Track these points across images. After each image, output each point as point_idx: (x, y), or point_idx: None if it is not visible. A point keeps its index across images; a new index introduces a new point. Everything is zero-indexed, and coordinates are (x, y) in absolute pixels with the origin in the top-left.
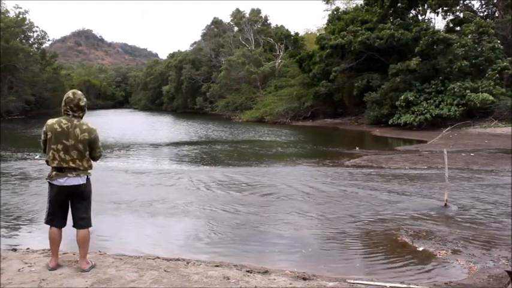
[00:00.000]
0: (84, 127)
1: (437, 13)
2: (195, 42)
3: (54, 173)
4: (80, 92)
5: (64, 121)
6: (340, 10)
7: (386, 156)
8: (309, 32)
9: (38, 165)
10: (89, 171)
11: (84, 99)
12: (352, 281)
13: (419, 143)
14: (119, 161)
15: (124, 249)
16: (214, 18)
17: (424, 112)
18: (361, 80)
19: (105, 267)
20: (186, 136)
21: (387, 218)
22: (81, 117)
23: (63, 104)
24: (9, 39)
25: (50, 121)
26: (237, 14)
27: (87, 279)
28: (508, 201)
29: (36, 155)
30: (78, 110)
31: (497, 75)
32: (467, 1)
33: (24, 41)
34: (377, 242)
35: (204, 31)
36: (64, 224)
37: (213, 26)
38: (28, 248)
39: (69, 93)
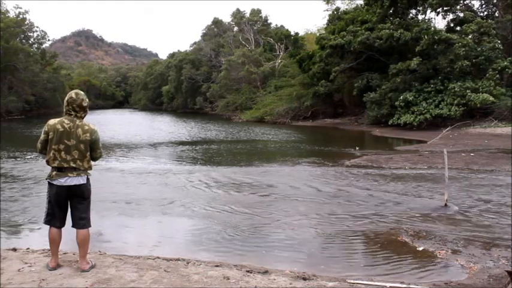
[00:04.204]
0: (86, 127)
1: (438, 13)
2: (195, 42)
3: (54, 172)
4: (82, 93)
5: (66, 121)
6: (340, 10)
7: (387, 156)
8: (309, 32)
9: (37, 165)
10: (89, 171)
11: (87, 99)
12: (352, 281)
13: (419, 143)
14: (118, 161)
15: (124, 249)
16: (215, 18)
17: (423, 112)
18: (361, 80)
19: (105, 267)
20: (185, 136)
21: (387, 218)
22: (83, 118)
23: (65, 104)
24: (9, 39)
25: (52, 121)
26: (237, 14)
27: (87, 279)
28: (508, 201)
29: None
30: (80, 111)
31: (498, 75)
32: (468, 1)
33: (24, 41)
34: (377, 242)
35: (204, 31)
36: (63, 224)
37: (213, 26)
38: (28, 248)
39: (72, 94)
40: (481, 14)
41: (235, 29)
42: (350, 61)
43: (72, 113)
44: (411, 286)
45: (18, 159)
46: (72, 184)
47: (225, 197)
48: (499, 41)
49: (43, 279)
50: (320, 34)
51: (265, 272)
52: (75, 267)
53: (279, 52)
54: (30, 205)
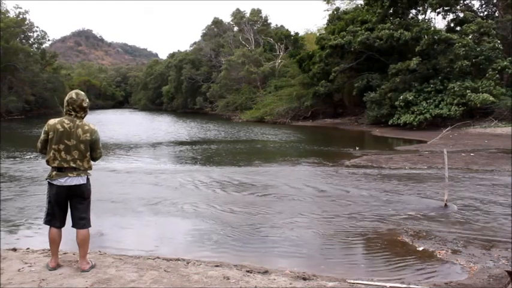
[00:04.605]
0: (86, 127)
1: (438, 13)
2: (195, 42)
3: (54, 172)
4: (82, 93)
5: (66, 121)
6: (340, 10)
7: (387, 156)
8: (309, 32)
9: (36, 165)
10: (89, 171)
11: (87, 100)
12: (352, 281)
13: (419, 143)
14: (118, 161)
15: (124, 249)
16: (215, 18)
17: (423, 112)
18: (361, 80)
19: (105, 267)
20: (185, 136)
21: (387, 218)
22: (83, 118)
23: (65, 104)
24: (9, 39)
25: (52, 121)
26: (237, 14)
27: (87, 279)
28: (508, 201)
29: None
30: (80, 111)
31: (498, 75)
32: (468, 1)
33: (24, 41)
34: (377, 242)
35: (204, 31)
36: (63, 224)
37: (213, 26)
38: (28, 248)
39: (72, 94)
40: (481, 14)
41: (235, 29)
42: (350, 61)
43: (72, 113)
44: (411, 286)
45: (17, 159)
46: (72, 184)
47: (224, 197)
48: (499, 41)
49: (43, 279)
50: (320, 34)
51: (265, 272)
52: (75, 267)
53: (279, 52)
54: (30, 205)
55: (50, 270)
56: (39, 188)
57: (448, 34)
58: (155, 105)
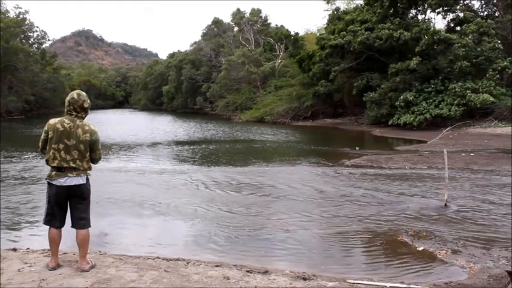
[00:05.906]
0: (86, 128)
1: (438, 13)
2: (195, 42)
3: (54, 172)
4: (84, 94)
5: (67, 121)
6: (340, 10)
7: (387, 156)
8: (309, 32)
9: (36, 165)
10: (89, 171)
11: (88, 100)
12: (352, 281)
13: (419, 143)
14: (118, 161)
15: (124, 249)
16: (215, 18)
17: (423, 112)
18: (361, 80)
19: (105, 267)
20: (185, 136)
21: (387, 218)
22: (84, 118)
23: (66, 104)
24: (9, 39)
25: (52, 121)
26: (237, 14)
27: (87, 279)
28: (507, 201)
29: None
30: (81, 111)
31: (498, 75)
32: (467, 1)
33: (24, 41)
34: (377, 242)
35: (204, 31)
36: (63, 224)
37: (213, 26)
38: (28, 248)
39: (74, 94)
40: (481, 14)
41: (235, 29)
42: (350, 61)
43: (73, 113)
44: (411, 286)
45: (16, 158)
46: (72, 184)
47: (224, 197)
48: (499, 41)
49: (43, 279)
50: (320, 34)
51: (265, 272)
52: (75, 267)
53: (279, 52)
54: (30, 205)
55: (50, 270)
56: (39, 188)
57: (448, 34)
58: (155, 105)
